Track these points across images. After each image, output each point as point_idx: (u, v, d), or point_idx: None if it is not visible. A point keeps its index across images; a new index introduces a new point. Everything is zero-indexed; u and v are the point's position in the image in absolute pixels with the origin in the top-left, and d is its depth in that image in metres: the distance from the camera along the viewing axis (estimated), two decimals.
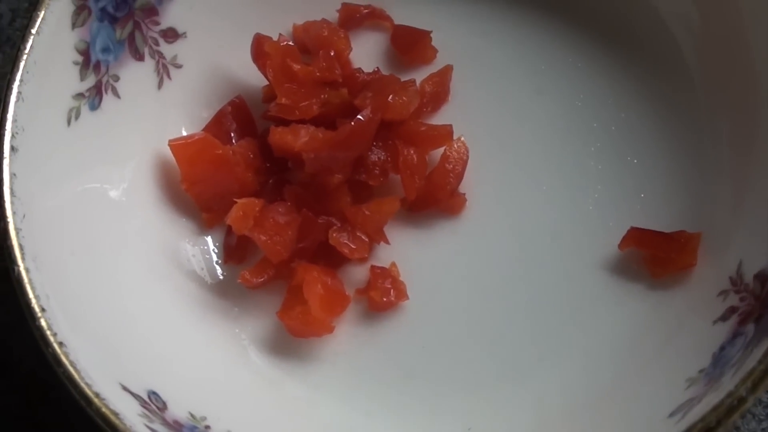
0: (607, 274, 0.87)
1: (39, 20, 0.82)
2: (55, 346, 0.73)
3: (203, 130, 0.93)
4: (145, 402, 0.76)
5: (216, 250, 0.92)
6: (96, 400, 0.71)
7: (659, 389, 0.78)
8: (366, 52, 0.98)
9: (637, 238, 0.86)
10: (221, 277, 0.91)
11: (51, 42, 0.83)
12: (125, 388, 0.76)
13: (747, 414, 0.87)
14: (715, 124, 0.88)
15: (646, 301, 0.85)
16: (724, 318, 0.77)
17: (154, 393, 0.78)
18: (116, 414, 0.71)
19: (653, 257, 0.86)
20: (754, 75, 0.84)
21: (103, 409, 0.71)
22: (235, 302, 0.90)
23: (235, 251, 0.91)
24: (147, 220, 0.90)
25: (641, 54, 0.93)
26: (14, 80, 0.80)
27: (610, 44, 0.94)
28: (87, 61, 0.86)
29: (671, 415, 0.73)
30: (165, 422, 0.76)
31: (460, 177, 0.90)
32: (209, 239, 0.92)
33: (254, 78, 0.94)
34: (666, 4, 0.92)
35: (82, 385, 0.72)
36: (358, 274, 0.90)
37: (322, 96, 0.90)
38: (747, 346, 0.72)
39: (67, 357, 0.73)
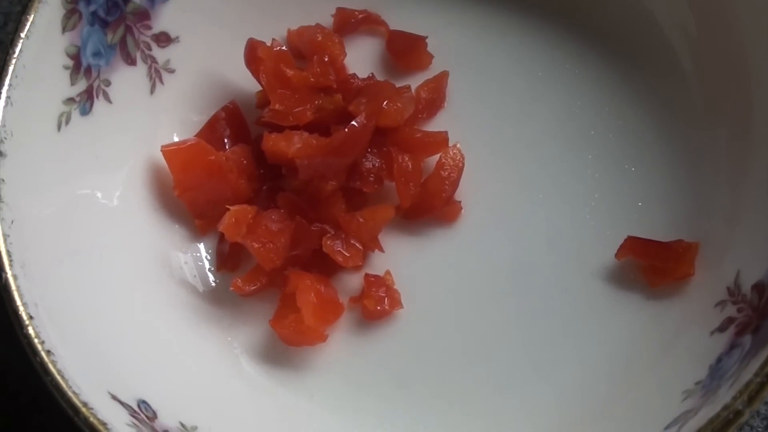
0: (604, 283, 0.86)
1: (28, 24, 0.81)
2: (43, 354, 0.72)
3: (196, 135, 0.93)
4: (135, 411, 0.76)
5: (209, 257, 0.91)
6: (84, 410, 0.71)
7: (655, 401, 0.77)
8: (361, 58, 0.97)
9: (634, 248, 0.85)
10: (213, 285, 0.90)
11: (41, 46, 0.82)
12: (114, 397, 0.75)
13: (745, 426, 0.86)
14: (713, 133, 0.87)
15: (642, 311, 0.84)
16: (721, 329, 0.77)
17: (144, 402, 0.77)
18: (104, 424, 0.70)
19: (650, 267, 0.85)
20: (751, 83, 0.84)
21: (91, 419, 0.70)
22: (228, 310, 0.89)
23: (228, 258, 0.90)
24: (139, 226, 0.89)
25: (639, 61, 0.92)
26: (3, 85, 0.79)
27: (608, 51, 0.93)
28: (78, 66, 0.85)
29: (667, 427, 0.72)
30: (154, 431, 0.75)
31: (455, 184, 0.90)
32: (202, 246, 0.92)
33: (248, 83, 0.93)
34: (662, 11, 0.91)
35: (70, 394, 0.71)
36: (352, 282, 0.90)
37: (316, 102, 0.89)
38: (744, 358, 0.71)
39: (54, 365, 0.72)
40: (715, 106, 0.88)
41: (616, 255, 0.86)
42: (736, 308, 0.77)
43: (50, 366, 0.72)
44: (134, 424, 0.74)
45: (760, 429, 0.86)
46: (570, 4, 0.95)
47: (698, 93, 0.89)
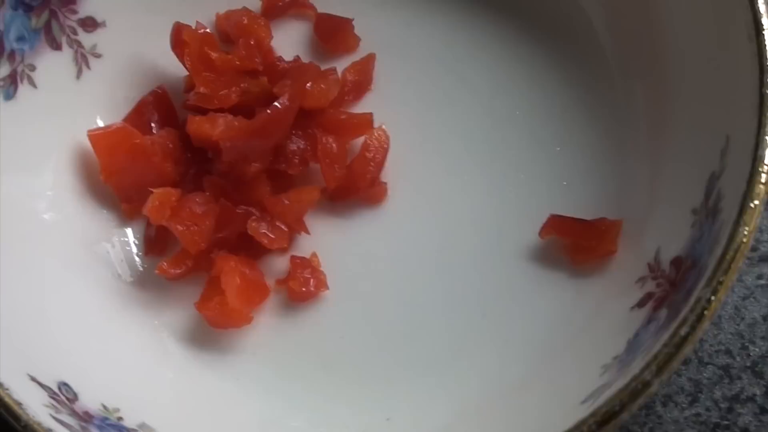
0: (528, 262, 0.86)
1: None
2: None
3: (123, 120, 0.92)
4: (54, 393, 0.75)
5: (137, 242, 0.91)
6: None
7: (575, 377, 0.77)
8: (289, 41, 0.96)
9: (557, 226, 0.85)
10: (141, 270, 0.90)
11: None
12: (33, 379, 0.75)
13: (669, 402, 0.86)
14: (633, 112, 0.88)
15: (566, 289, 0.85)
16: (640, 304, 0.77)
17: (65, 384, 0.77)
18: (19, 404, 0.70)
19: (574, 245, 0.85)
20: (668, 60, 0.84)
21: (6, 399, 0.70)
22: (155, 294, 0.89)
23: (155, 243, 0.90)
24: (66, 212, 0.89)
25: (562, 42, 0.92)
26: None
27: (532, 33, 0.93)
28: (0, 50, 0.85)
29: (584, 401, 0.72)
30: (74, 413, 0.75)
31: (380, 165, 0.90)
32: (129, 231, 0.91)
33: (176, 68, 0.92)
34: None
35: None
36: (278, 264, 0.89)
37: (242, 85, 0.89)
38: (658, 332, 0.71)
39: None
40: (635, 86, 0.88)
41: (540, 233, 0.86)
42: (655, 283, 0.77)
43: None
44: (52, 405, 0.73)
45: (684, 404, 0.86)
46: None
47: (617, 72, 0.90)
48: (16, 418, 0.70)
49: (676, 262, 0.76)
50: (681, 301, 0.71)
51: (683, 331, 0.67)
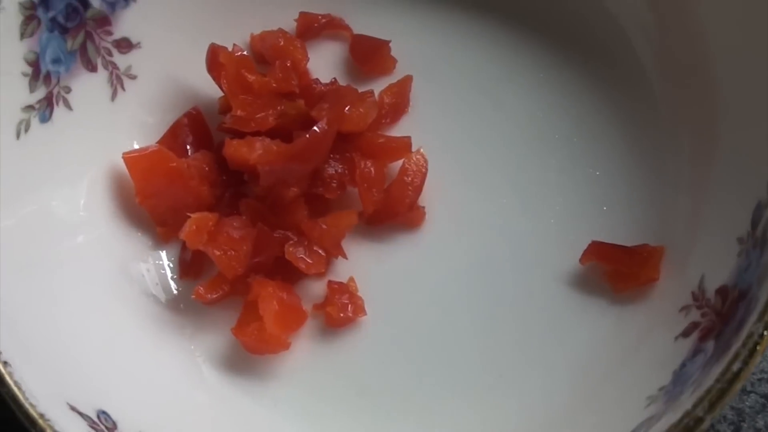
0: (568, 288, 0.86)
1: None
2: (0, 365, 0.71)
3: (158, 142, 0.92)
4: (94, 422, 0.74)
5: (171, 265, 0.90)
6: (40, 421, 0.69)
7: (619, 407, 0.77)
8: (324, 63, 0.96)
9: (598, 252, 0.85)
10: (176, 293, 0.89)
11: None
12: (73, 408, 0.74)
13: (711, 431, 0.85)
14: (676, 137, 0.87)
15: (607, 316, 0.84)
16: (685, 334, 0.76)
17: (104, 412, 0.76)
18: None
19: (615, 272, 0.84)
20: (714, 87, 0.83)
21: (48, 431, 0.69)
22: (190, 319, 0.88)
23: (190, 266, 0.89)
24: (100, 234, 0.88)
25: (603, 65, 0.92)
26: None
27: (572, 55, 0.93)
28: (37, 73, 0.84)
29: None
30: None
31: (419, 190, 0.89)
32: (164, 254, 0.91)
33: (211, 89, 0.92)
34: (626, 15, 0.91)
35: (27, 405, 0.70)
36: (315, 289, 0.89)
37: (279, 107, 0.88)
38: (706, 364, 0.71)
39: (11, 377, 0.71)
40: (678, 111, 0.87)
41: (581, 260, 0.85)
42: (700, 313, 0.76)
43: (7, 377, 0.70)
44: None
45: None
46: (534, 9, 0.94)
47: (661, 97, 0.89)
48: None
49: (722, 291, 0.75)
50: (731, 334, 0.70)
51: (735, 367, 0.66)
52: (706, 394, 0.66)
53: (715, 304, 0.75)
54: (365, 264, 0.89)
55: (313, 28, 0.96)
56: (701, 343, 0.74)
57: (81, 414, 0.74)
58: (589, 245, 0.85)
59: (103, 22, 0.89)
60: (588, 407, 0.79)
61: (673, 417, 0.67)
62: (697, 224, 0.82)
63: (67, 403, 0.74)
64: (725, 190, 0.80)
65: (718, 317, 0.74)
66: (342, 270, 0.89)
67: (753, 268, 0.72)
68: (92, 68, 0.88)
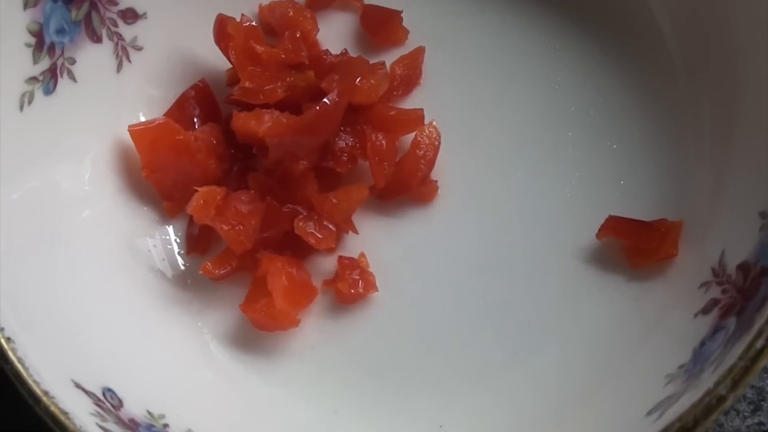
0: (585, 264, 0.84)
1: None
2: (2, 341, 0.70)
3: (165, 115, 0.90)
4: (99, 400, 0.73)
5: (178, 240, 0.89)
6: (44, 399, 0.69)
7: (637, 386, 0.75)
8: (335, 34, 0.94)
9: (615, 227, 0.83)
10: (183, 269, 0.88)
11: (0, 23, 0.79)
12: (78, 386, 0.73)
13: (731, 410, 0.84)
14: (696, 110, 0.85)
15: (625, 293, 0.83)
16: (705, 311, 0.75)
17: (110, 390, 0.75)
18: (66, 413, 0.68)
19: (633, 247, 0.83)
20: (736, 61, 0.81)
21: (52, 408, 0.68)
22: (197, 295, 0.87)
23: (197, 241, 0.88)
24: (106, 209, 0.87)
25: (621, 37, 0.90)
26: None
27: (589, 26, 0.90)
28: (40, 43, 0.82)
29: (649, 413, 0.70)
30: (120, 421, 0.73)
31: (431, 164, 0.87)
32: (171, 229, 0.89)
33: (218, 60, 0.90)
34: None
35: (30, 382, 0.69)
36: (325, 264, 0.87)
37: (288, 79, 0.86)
38: (728, 342, 0.69)
39: (14, 353, 0.70)
40: (700, 84, 0.85)
41: (597, 235, 0.83)
42: (720, 289, 0.75)
43: (10, 354, 0.70)
44: (98, 413, 0.72)
45: (747, 413, 0.84)
46: None
47: (683, 70, 0.87)
48: (63, 428, 0.68)
49: (744, 267, 0.73)
50: (754, 310, 0.68)
51: (759, 344, 0.65)
52: (728, 372, 0.65)
53: (736, 280, 0.73)
54: (376, 239, 0.88)
55: None
56: (722, 320, 0.72)
57: (86, 391, 0.73)
58: (606, 220, 0.83)
59: None
60: (605, 386, 0.78)
61: (694, 396, 0.66)
62: (717, 199, 0.80)
63: (72, 380, 0.73)
64: (746, 164, 0.78)
65: (740, 294, 0.72)
66: (353, 245, 0.88)
67: None
68: (97, 39, 0.87)
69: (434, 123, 0.88)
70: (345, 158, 0.86)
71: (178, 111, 0.90)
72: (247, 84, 0.86)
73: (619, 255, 0.83)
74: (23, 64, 0.81)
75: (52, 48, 0.83)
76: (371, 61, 0.90)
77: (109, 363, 0.78)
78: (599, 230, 0.83)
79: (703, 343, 0.72)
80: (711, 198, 0.81)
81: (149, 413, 0.76)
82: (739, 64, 0.81)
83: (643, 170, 0.86)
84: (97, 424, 0.70)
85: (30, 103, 0.82)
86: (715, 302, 0.74)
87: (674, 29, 0.88)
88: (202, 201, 0.83)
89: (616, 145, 0.87)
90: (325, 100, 0.83)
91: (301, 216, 0.85)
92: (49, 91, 0.83)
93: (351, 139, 0.86)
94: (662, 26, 0.89)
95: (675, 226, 0.81)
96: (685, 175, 0.84)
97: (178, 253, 0.89)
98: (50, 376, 0.70)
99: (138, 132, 0.86)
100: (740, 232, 0.75)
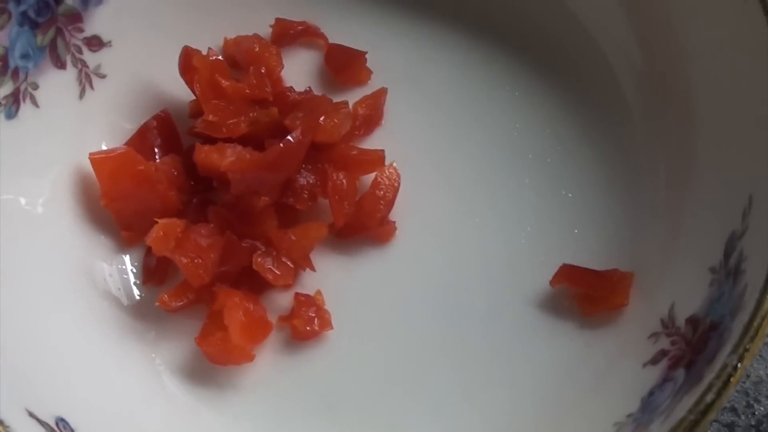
0: (538, 310, 0.85)
1: None
2: None
3: (126, 144, 0.90)
4: (53, 430, 0.73)
5: (134, 270, 0.88)
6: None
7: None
8: (299, 71, 0.95)
9: (569, 275, 0.84)
10: (138, 299, 0.88)
11: None
12: (32, 415, 0.72)
13: None
14: (652, 163, 0.87)
15: (576, 339, 0.83)
16: (654, 361, 0.76)
17: (63, 420, 0.74)
18: None
19: (585, 295, 0.84)
20: (693, 113, 0.83)
21: None
22: (152, 325, 0.86)
23: (154, 272, 0.88)
24: (63, 235, 0.86)
25: (581, 87, 0.92)
26: None
27: (550, 75, 0.92)
28: (5, 68, 0.82)
29: None
30: None
31: (390, 204, 0.88)
32: (127, 258, 0.89)
33: (181, 92, 0.91)
34: (607, 38, 0.91)
35: None
36: (281, 300, 0.87)
37: (251, 114, 0.87)
38: (677, 393, 0.70)
39: None
40: (657, 136, 0.87)
41: (551, 282, 0.85)
42: (669, 341, 0.76)
43: None
44: None
45: None
46: (513, 25, 0.94)
47: (639, 122, 0.89)
48: None
49: (693, 321, 0.75)
50: (703, 364, 0.70)
51: (709, 398, 0.66)
52: (678, 424, 0.66)
53: (685, 333, 0.75)
54: (334, 277, 0.88)
55: (288, 35, 0.95)
56: (670, 371, 0.74)
57: (40, 421, 0.72)
58: (560, 268, 0.84)
59: (75, 18, 0.87)
60: (554, 430, 0.79)
61: None
62: (669, 251, 0.82)
63: (26, 410, 0.72)
64: (700, 218, 0.80)
65: (689, 346, 0.74)
66: (310, 282, 0.88)
67: (725, 299, 0.72)
68: (61, 65, 0.87)
69: (394, 164, 0.89)
70: (305, 195, 0.87)
71: (140, 140, 0.90)
72: (210, 117, 0.86)
73: (572, 302, 0.84)
74: None
75: (15, 72, 0.83)
76: (334, 100, 0.90)
77: (62, 393, 0.77)
78: (553, 277, 0.84)
79: (651, 393, 0.73)
80: (663, 250, 0.82)
81: None
82: (695, 119, 0.83)
83: (597, 219, 0.87)
84: None
85: None
86: (664, 353, 0.76)
87: (632, 83, 0.90)
88: (161, 233, 0.82)
89: (571, 194, 0.88)
90: (288, 137, 0.83)
91: (259, 252, 0.85)
92: (11, 115, 0.83)
93: (312, 177, 0.87)
94: (620, 79, 0.90)
95: (626, 276, 0.83)
96: (639, 225, 0.86)
97: (134, 283, 0.88)
98: (5, 404, 0.70)
99: (99, 160, 0.86)
100: (690, 286, 0.77)
